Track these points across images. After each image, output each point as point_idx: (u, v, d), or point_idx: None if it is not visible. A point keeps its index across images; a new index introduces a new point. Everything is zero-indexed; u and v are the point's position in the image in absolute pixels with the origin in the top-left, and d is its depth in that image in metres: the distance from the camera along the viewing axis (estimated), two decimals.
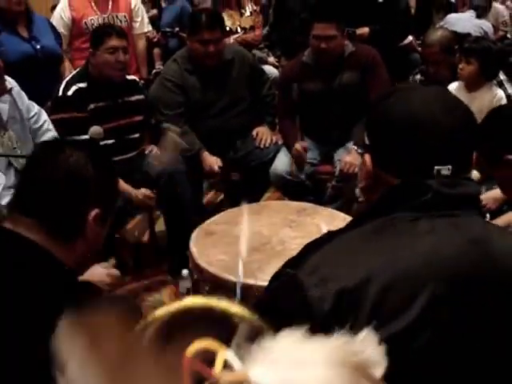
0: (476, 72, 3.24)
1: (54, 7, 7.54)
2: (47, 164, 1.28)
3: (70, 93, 3.14)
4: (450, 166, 1.06)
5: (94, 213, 1.28)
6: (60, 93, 3.15)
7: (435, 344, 0.98)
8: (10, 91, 2.73)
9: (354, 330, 0.92)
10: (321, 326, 0.94)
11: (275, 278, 1.09)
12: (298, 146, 3.47)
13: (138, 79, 3.60)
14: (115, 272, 2.15)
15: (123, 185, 3.00)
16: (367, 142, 1.16)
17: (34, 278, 1.16)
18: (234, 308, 0.78)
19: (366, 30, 4.15)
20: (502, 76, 3.30)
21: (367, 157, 1.15)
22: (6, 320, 1.11)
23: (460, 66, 3.22)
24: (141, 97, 3.46)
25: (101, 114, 3.20)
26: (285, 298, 1.04)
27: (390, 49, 4.18)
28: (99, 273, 2.09)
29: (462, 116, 1.12)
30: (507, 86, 3.31)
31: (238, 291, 2.04)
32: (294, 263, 1.07)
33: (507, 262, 1.05)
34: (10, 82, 2.78)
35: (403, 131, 1.09)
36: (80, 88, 3.16)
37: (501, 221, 2.55)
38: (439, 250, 1.02)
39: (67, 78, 3.23)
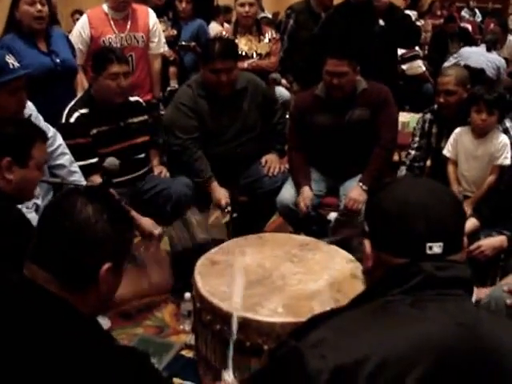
0: (497, 121, 3.30)
1: (74, 12, 7.61)
2: (60, 218, 1.28)
3: (72, 119, 3.22)
4: (441, 244, 1.17)
5: (105, 267, 1.27)
6: (63, 120, 3.23)
7: None
8: (29, 118, 2.72)
9: None
10: None
11: (279, 346, 1.18)
12: (302, 204, 3.41)
13: (141, 100, 3.63)
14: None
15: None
16: (366, 228, 1.27)
17: (54, 329, 1.18)
18: None
19: None
20: (508, 123, 3.34)
21: (367, 242, 1.26)
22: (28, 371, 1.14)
23: (482, 116, 3.23)
24: (144, 117, 3.52)
25: (104, 138, 3.29)
26: (286, 366, 1.12)
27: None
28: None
29: (450, 200, 1.24)
30: None
31: (234, 327, 2.13)
32: (298, 334, 1.15)
33: (494, 344, 1.12)
34: (28, 106, 2.79)
35: (395, 217, 1.20)
36: (82, 114, 3.24)
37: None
38: (429, 333, 1.10)
39: (70, 104, 3.29)
